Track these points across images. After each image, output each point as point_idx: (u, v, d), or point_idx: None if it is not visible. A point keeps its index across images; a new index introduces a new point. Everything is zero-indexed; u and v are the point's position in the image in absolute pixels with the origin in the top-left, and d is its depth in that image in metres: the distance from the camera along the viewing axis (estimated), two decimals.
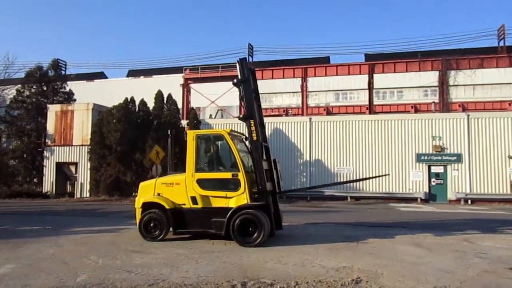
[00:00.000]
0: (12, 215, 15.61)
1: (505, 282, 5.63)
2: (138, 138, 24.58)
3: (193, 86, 38.01)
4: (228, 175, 8.67)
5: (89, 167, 26.48)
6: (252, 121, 8.71)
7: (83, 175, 27.37)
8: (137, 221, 9.11)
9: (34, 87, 32.45)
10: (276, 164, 9.12)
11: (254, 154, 8.66)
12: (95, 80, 41.88)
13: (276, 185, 8.94)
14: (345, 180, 24.77)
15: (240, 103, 35.99)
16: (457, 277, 5.80)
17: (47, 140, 28.70)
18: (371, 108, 33.09)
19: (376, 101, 33.38)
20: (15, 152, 30.63)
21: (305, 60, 36.99)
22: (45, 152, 28.71)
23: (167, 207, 8.74)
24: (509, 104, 30.31)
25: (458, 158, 23.75)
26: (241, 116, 9.06)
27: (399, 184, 24.30)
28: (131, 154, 24.83)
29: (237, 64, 9.11)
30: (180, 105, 32.40)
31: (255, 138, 8.67)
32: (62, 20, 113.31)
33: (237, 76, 9.23)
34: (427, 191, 23.99)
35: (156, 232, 8.83)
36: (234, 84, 9.18)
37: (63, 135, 28.18)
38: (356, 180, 23.12)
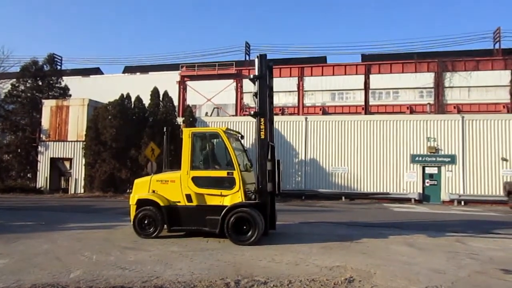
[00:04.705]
0: (5, 210, 15.54)
1: (496, 283, 5.70)
2: (133, 135, 24.51)
3: (190, 83, 37.92)
4: (223, 173, 8.69)
5: (83, 163, 26.37)
6: (262, 119, 8.63)
7: (78, 171, 27.27)
8: (132, 218, 9.12)
9: (29, 81, 32.28)
10: (279, 165, 9.09)
11: (259, 153, 8.60)
12: (90, 76, 41.59)
13: (276, 186, 8.89)
14: (339, 180, 25.01)
15: (236, 101, 36.05)
16: (448, 277, 5.86)
17: (41, 135, 28.55)
18: (366, 109, 33.19)
19: (372, 102, 33.47)
20: (9, 146, 30.46)
21: (302, 60, 37.01)
22: (39, 147, 28.56)
23: (161, 204, 8.75)
24: (504, 107, 30.50)
25: (452, 159, 23.89)
26: (252, 112, 8.99)
27: (393, 184, 24.41)
28: (126, 151, 24.77)
29: (256, 60, 8.97)
30: (176, 102, 32.28)
31: (263, 136, 8.60)
32: (58, 15, 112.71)
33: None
34: (421, 191, 24.10)
35: (151, 229, 8.84)
36: (251, 80, 9.09)
37: (58, 131, 28.05)
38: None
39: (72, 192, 26.99)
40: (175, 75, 37.94)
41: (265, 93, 8.83)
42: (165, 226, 8.86)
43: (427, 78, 32.49)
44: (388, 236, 9.53)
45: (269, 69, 9.13)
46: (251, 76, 9.06)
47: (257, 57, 8.98)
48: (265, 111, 8.74)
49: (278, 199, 9.66)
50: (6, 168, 30.70)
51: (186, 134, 9.01)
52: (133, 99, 26.11)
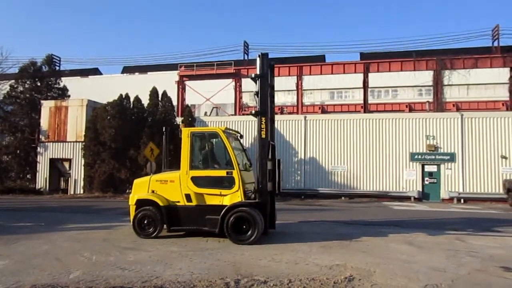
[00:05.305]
0: (5, 211, 15.50)
1: (496, 281, 5.69)
2: (132, 135, 24.49)
3: (188, 83, 37.92)
4: (222, 173, 8.68)
5: (83, 163, 26.35)
6: (263, 118, 8.60)
7: (77, 172, 27.24)
8: (131, 218, 9.10)
9: (28, 82, 32.22)
10: (280, 165, 9.05)
11: (260, 152, 8.57)
12: (89, 76, 41.63)
13: (276, 186, 8.87)
14: (338, 179, 25.01)
15: (235, 101, 36.05)
16: (448, 276, 5.86)
17: (40, 136, 28.52)
18: (365, 107, 33.21)
19: (371, 100, 33.49)
20: (8, 148, 30.41)
21: (300, 59, 37.03)
22: (38, 148, 28.53)
23: (161, 204, 8.74)
24: (503, 104, 30.54)
25: (452, 157, 23.91)
26: (253, 112, 8.98)
27: (393, 182, 24.43)
28: (126, 151, 24.74)
29: (258, 59, 8.94)
30: (175, 102, 32.31)
31: (263, 136, 8.57)
32: (57, 15, 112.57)
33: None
34: (421, 190, 24.13)
35: (150, 229, 8.83)
36: (252, 79, 9.06)
37: (57, 131, 28.02)
38: None
39: (72, 192, 26.96)
40: (174, 75, 37.94)
41: (266, 92, 8.79)
42: (165, 226, 8.85)
43: (426, 76, 32.53)
44: (387, 235, 9.53)
45: (271, 68, 9.09)
46: (252, 75, 9.03)
47: (259, 56, 8.94)
48: (266, 110, 8.71)
49: (278, 198, 9.65)
50: (6, 169, 30.67)
51: (185, 134, 8.99)
52: (132, 99, 26.07)
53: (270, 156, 8.68)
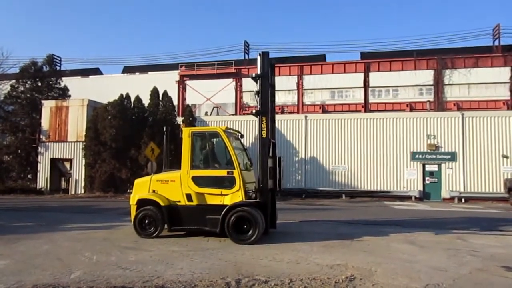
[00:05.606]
0: (6, 211, 15.52)
1: (497, 280, 5.68)
2: (133, 135, 24.49)
3: (189, 83, 37.91)
4: (223, 172, 8.67)
5: (83, 163, 26.36)
6: (264, 118, 8.56)
7: (78, 172, 27.26)
8: (132, 218, 9.10)
9: (28, 82, 32.23)
10: (280, 162, 9.03)
11: (261, 151, 8.54)
12: (90, 76, 41.63)
13: (277, 183, 8.87)
14: (339, 178, 25.01)
15: (236, 100, 36.04)
16: (450, 275, 5.85)
17: (41, 136, 28.54)
18: (366, 107, 33.19)
19: (371, 100, 33.47)
20: (9, 147, 30.44)
21: (301, 58, 37.00)
22: (39, 148, 28.56)
23: (162, 204, 8.73)
24: (503, 103, 30.51)
25: (453, 156, 23.89)
26: (254, 111, 8.95)
27: (394, 182, 24.41)
28: (126, 151, 24.75)
29: (258, 58, 8.85)
30: (175, 102, 32.31)
31: (264, 135, 8.54)
32: (57, 15, 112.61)
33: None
34: (422, 189, 24.10)
35: (151, 229, 8.82)
36: (252, 78, 9.01)
37: (58, 131, 28.04)
38: None
39: (73, 192, 26.98)
40: (174, 75, 37.94)
41: (267, 91, 8.73)
42: (166, 225, 8.85)
43: (426, 76, 32.50)
44: (388, 234, 9.52)
45: (271, 68, 9.02)
46: (253, 74, 8.96)
47: (259, 54, 8.86)
48: (267, 109, 8.66)
49: (279, 197, 9.64)
50: (7, 169, 30.70)
51: (186, 133, 8.98)
52: (132, 99, 26.08)
53: (271, 154, 8.68)
